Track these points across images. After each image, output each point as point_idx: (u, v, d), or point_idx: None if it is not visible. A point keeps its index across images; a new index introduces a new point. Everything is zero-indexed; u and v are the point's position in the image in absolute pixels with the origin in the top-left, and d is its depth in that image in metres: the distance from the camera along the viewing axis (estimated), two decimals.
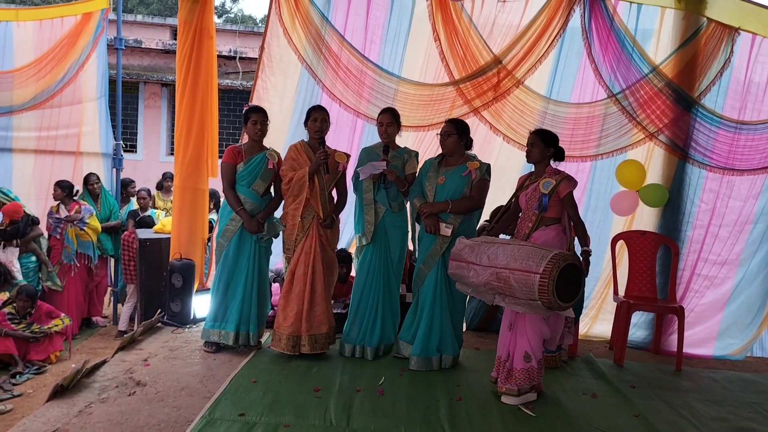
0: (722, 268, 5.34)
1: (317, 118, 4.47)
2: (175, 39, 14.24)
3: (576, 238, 4.02)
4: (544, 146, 4.03)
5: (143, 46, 12.58)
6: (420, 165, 4.64)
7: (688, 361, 5.08)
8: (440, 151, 4.55)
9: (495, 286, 3.71)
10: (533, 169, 4.16)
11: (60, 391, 3.60)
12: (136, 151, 12.68)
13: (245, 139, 4.67)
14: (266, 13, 5.57)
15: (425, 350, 4.36)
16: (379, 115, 4.65)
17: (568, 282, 3.54)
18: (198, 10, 5.14)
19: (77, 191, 6.81)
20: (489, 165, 4.47)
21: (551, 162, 4.08)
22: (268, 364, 4.29)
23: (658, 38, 5.33)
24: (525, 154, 4.16)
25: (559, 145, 4.08)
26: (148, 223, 6.79)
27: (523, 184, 4.17)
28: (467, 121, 5.56)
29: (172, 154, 13.40)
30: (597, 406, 3.96)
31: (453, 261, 4.04)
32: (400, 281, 4.74)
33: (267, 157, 4.54)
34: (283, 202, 4.58)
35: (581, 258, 3.82)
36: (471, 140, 4.53)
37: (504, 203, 5.40)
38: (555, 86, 5.51)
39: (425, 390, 3.98)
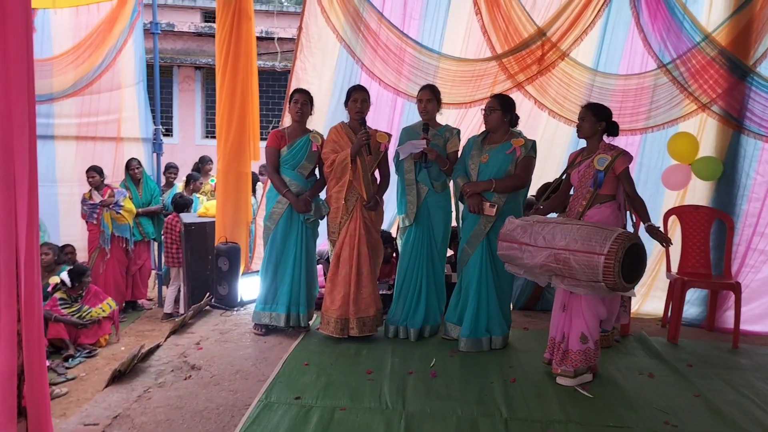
0: None
1: (357, 99, 4.40)
2: (206, 21, 14.34)
3: (633, 214, 3.90)
4: (595, 120, 3.89)
5: (176, 29, 12.58)
6: (463, 143, 4.54)
7: (745, 338, 4.95)
8: (483, 128, 4.45)
9: (552, 268, 3.63)
10: (585, 145, 4.04)
11: (118, 377, 3.64)
12: (171, 135, 12.75)
13: (286, 120, 4.62)
14: None
15: (474, 331, 4.31)
16: (419, 92, 4.55)
17: (632, 262, 3.45)
18: None
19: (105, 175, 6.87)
20: (534, 142, 4.36)
21: (604, 137, 3.95)
22: (317, 346, 4.29)
23: (710, 5, 5.12)
24: (576, 128, 4.03)
25: (613, 119, 3.95)
26: (187, 204, 6.81)
27: (575, 160, 4.05)
28: (511, 96, 5.46)
29: (207, 137, 13.50)
30: (655, 386, 3.88)
31: (503, 242, 3.96)
32: (444, 262, 4.69)
33: (311, 139, 4.50)
34: (326, 185, 4.55)
35: (651, 233, 3.74)
36: (517, 117, 4.41)
37: (551, 179, 5.32)
38: (602, 57, 5.36)
39: (478, 372, 3.94)
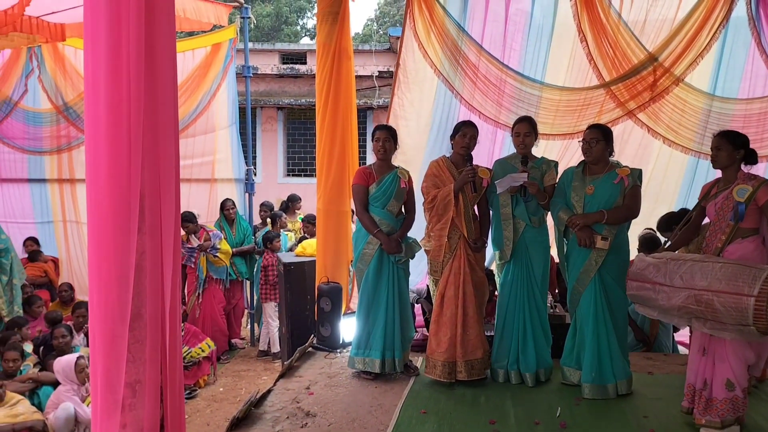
0: None
1: (466, 134, 4.23)
2: (284, 63, 14.71)
3: None
4: (732, 149, 3.60)
5: (259, 72, 12.96)
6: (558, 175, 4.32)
7: None
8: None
9: (693, 310, 3.32)
10: (719, 175, 3.74)
11: (236, 424, 3.56)
12: (255, 174, 13.03)
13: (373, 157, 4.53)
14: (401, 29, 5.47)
15: (599, 377, 4.00)
16: (515, 124, 4.31)
17: None
18: (336, 32, 5.08)
19: (198, 215, 6.96)
20: (641, 170, 4.09)
21: (742, 166, 3.65)
22: (431, 392, 4.10)
23: None
24: (710, 159, 3.74)
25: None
26: (272, 240, 6.88)
27: (709, 192, 3.75)
28: (620, 124, 5.23)
29: (289, 175, 13.74)
30: None
31: (634, 281, 3.68)
32: (546, 299, 4.43)
33: (398, 175, 4.38)
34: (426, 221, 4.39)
35: None
36: (613, 148, 4.16)
37: (665, 210, 5.01)
38: (719, 81, 5.06)
39: (611, 422, 3.65)
